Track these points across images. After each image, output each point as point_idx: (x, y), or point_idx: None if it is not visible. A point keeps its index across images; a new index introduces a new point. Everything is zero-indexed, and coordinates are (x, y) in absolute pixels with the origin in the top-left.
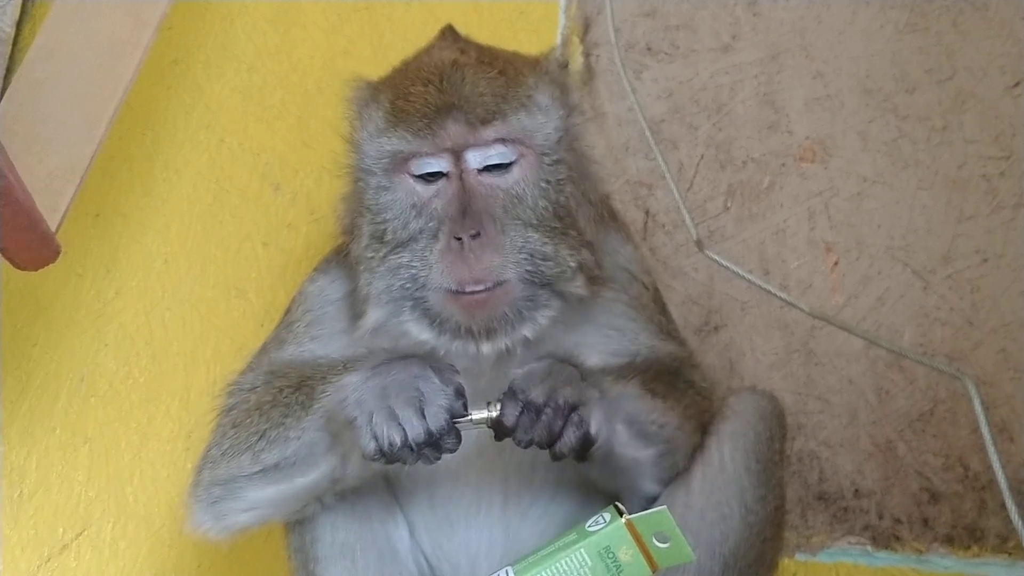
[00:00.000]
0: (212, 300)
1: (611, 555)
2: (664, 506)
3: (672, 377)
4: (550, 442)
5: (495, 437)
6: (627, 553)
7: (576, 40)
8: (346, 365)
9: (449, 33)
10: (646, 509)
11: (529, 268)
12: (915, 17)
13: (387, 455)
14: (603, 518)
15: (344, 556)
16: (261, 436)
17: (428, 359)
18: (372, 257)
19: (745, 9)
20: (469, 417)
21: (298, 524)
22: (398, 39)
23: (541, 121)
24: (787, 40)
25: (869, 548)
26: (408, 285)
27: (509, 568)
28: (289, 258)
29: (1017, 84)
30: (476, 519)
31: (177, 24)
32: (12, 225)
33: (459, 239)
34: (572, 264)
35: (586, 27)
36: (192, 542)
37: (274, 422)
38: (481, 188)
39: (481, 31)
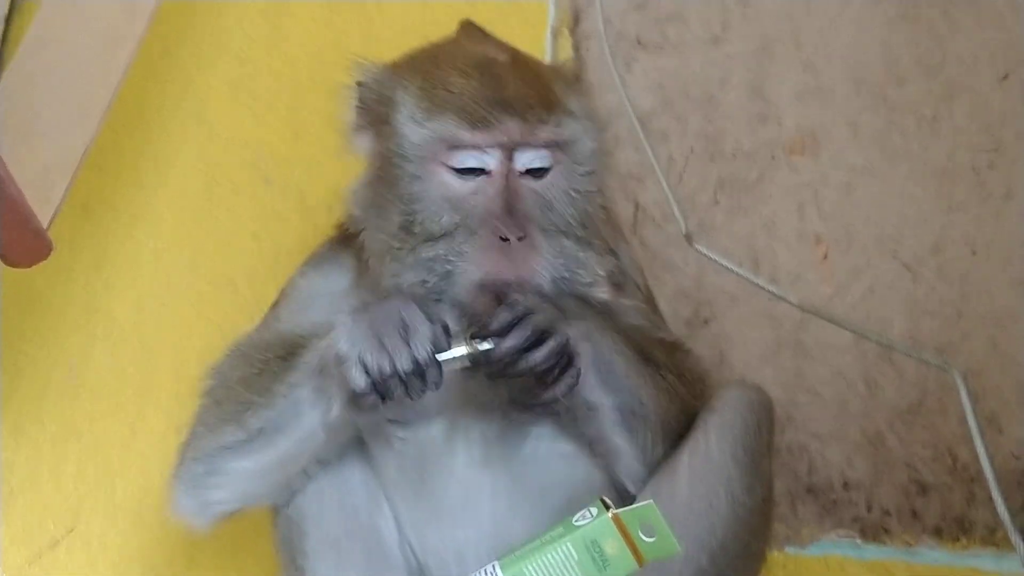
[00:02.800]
0: (203, 293)
1: (597, 548)
2: (651, 500)
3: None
4: (541, 381)
5: (482, 368)
6: (613, 546)
7: (566, 32)
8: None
9: (472, 27)
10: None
11: (566, 275)
12: (906, 7)
13: (377, 386)
14: (590, 512)
15: (331, 549)
16: (248, 406)
17: (415, 297)
18: (400, 248)
19: (735, 0)
20: (453, 353)
21: (285, 518)
22: (389, 31)
23: (581, 131)
24: (777, 31)
25: (858, 540)
26: (441, 281)
27: (496, 562)
28: (280, 250)
29: (1007, 75)
30: (463, 514)
31: (167, 16)
32: (5, 222)
33: (506, 239)
34: (601, 273)
35: (576, 19)
36: (183, 537)
37: (260, 388)
38: (524, 191)
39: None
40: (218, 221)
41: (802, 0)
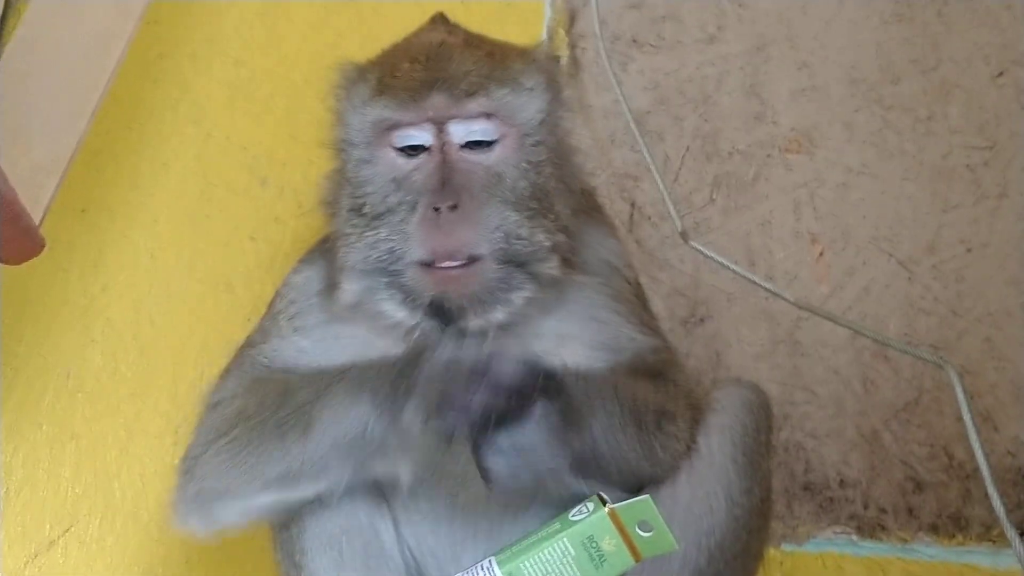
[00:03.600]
0: (200, 294)
1: (594, 544)
2: (647, 495)
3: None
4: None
5: None
6: (610, 543)
7: (562, 32)
8: (333, 379)
9: (439, 18)
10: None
11: (503, 246)
12: (900, 7)
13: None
14: (586, 507)
15: (331, 547)
16: (256, 451)
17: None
18: (351, 233)
19: (731, 0)
20: None
21: (284, 516)
22: (386, 32)
23: (525, 101)
24: (773, 31)
25: (854, 538)
26: (384, 258)
27: (492, 558)
28: (277, 251)
29: (1001, 74)
30: (460, 513)
31: (163, 18)
32: (2, 221)
33: (436, 209)
34: (547, 244)
35: (572, 19)
36: (180, 538)
37: (269, 436)
38: (462, 163)
39: (468, 22)
40: (214, 223)
41: (797, 1)
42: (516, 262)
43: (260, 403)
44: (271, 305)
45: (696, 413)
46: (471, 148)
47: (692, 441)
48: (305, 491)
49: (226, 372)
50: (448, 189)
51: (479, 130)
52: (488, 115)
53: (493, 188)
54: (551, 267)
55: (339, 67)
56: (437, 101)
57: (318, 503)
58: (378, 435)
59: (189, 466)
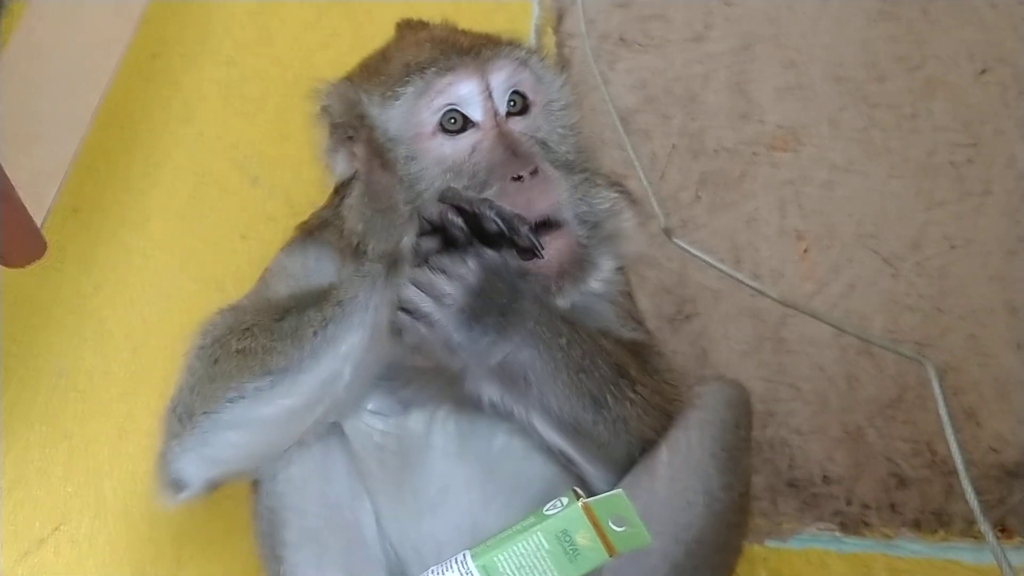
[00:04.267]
0: (192, 294)
1: (568, 538)
2: (620, 489)
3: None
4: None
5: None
6: (584, 537)
7: (550, 31)
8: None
9: (413, 21)
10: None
11: (586, 208)
12: (886, 5)
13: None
14: (560, 502)
15: (312, 541)
16: (267, 350)
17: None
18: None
19: None
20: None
21: (266, 509)
22: (376, 31)
23: (539, 69)
24: (759, 29)
25: (838, 534)
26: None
27: (467, 552)
28: (269, 250)
29: (985, 71)
30: (441, 509)
31: (155, 18)
32: (9, 224)
33: (518, 178)
34: (619, 199)
35: (560, 18)
36: (171, 535)
37: (269, 330)
38: (515, 133)
39: (457, 21)
40: (206, 222)
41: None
42: (595, 224)
43: (255, 315)
44: (260, 281)
45: (668, 399)
46: (514, 117)
47: (650, 415)
48: (305, 388)
49: (212, 318)
50: (521, 156)
51: (516, 80)
52: (521, 67)
53: (549, 154)
54: (627, 220)
55: (324, 90)
56: (470, 63)
57: (299, 495)
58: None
59: (176, 403)
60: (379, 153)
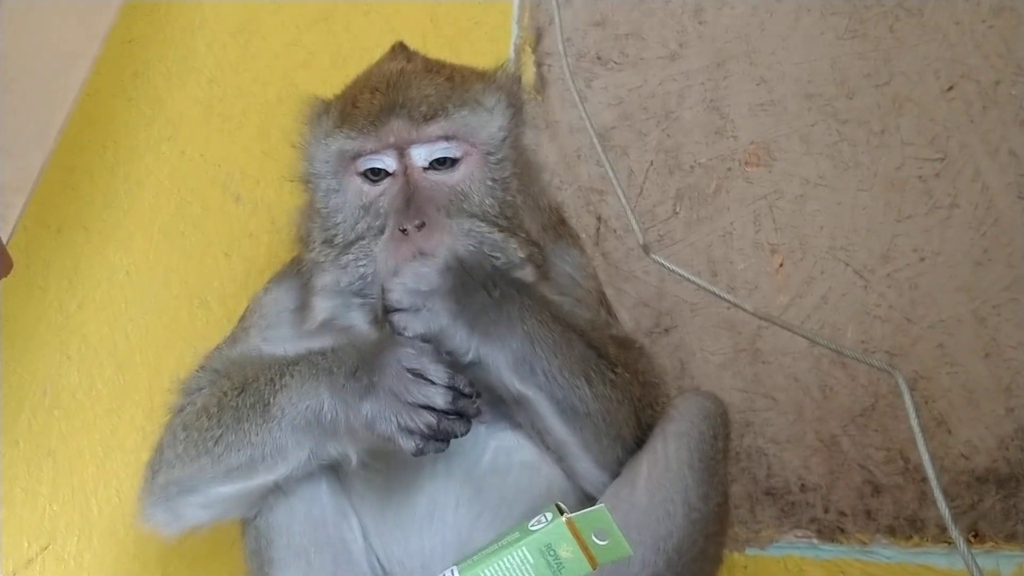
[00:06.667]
0: (175, 310)
1: (552, 552)
2: (602, 504)
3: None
4: None
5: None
6: (567, 550)
7: (528, 50)
8: (288, 366)
9: (399, 47)
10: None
11: (473, 250)
12: (854, 23)
13: (433, 437)
14: (545, 517)
15: (299, 558)
16: (217, 440)
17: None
18: (323, 261)
19: (691, 17)
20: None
21: (253, 527)
22: (357, 50)
23: (485, 119)
24: (732, 47)
25: (815, 541)
26: (356, 281)
27: (455, 567)
28: (251, 267)
29: (951, 88)
30: (429, 525)
31: (138, 36)
32: None
33: (403, 230)
34: (521, 255)
35: (538, 37)
36: (157, 553)
37: (228, 426)
38: (426, 184)
39: (437, 40)
40: (189, 239)
41: (756, 18)
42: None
43: (221, 397)
44: (242, 319)
45: (648, 392)
46: (435, 169)
47: (630, 404)
48: (264, 478)
49: (188, 376)
50: (413, 209)
51: (440, 149)
52: (448, 137)
53: (460, 205)
54: (526, 274)
55: (303, 103)
56: (397, 127)
57: (286, 515)
58: (333, 418)
59: (155, 463)
60: (309, 181)
